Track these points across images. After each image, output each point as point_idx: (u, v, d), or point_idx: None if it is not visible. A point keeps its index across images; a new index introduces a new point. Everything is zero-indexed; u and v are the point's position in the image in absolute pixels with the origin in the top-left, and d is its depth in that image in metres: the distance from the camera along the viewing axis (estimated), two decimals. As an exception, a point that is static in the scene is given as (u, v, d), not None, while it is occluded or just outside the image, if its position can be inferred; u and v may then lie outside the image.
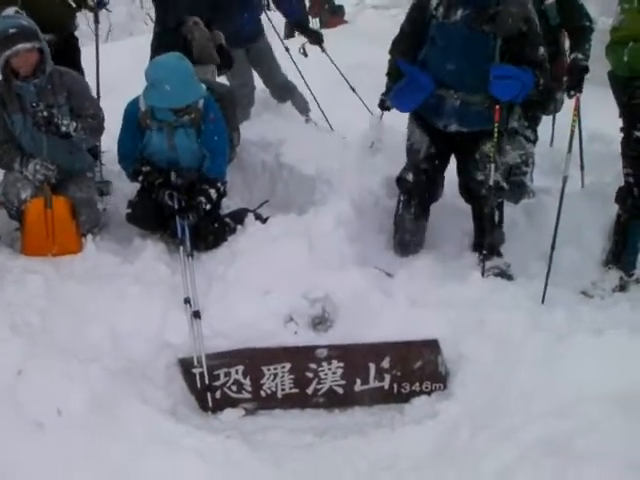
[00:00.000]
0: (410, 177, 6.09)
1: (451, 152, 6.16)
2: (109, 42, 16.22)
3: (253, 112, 8.31)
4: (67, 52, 6.81)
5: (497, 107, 5.64)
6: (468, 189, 6.08)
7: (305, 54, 8.61)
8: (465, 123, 5.87)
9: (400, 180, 6.18)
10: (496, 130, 5.70)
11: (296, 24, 9.48)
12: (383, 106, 6.43)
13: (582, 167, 7.00)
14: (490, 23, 5.49)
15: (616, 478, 3.55)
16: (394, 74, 6.04)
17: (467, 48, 5.62)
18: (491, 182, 5.81)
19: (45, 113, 5.83)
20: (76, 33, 7.24)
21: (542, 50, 5.67)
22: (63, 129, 5.90)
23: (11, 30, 5.67)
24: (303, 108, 8.55)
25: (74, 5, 6.95)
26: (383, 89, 6.31)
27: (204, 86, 6.09)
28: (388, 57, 6.15)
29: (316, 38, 8.51)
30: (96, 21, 7.49)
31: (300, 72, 8.58)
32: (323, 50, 8.50)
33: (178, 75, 5.85)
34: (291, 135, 7.54)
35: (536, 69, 5.59)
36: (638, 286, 6.05)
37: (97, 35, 7.53)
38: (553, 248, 5.70)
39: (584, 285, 6.01)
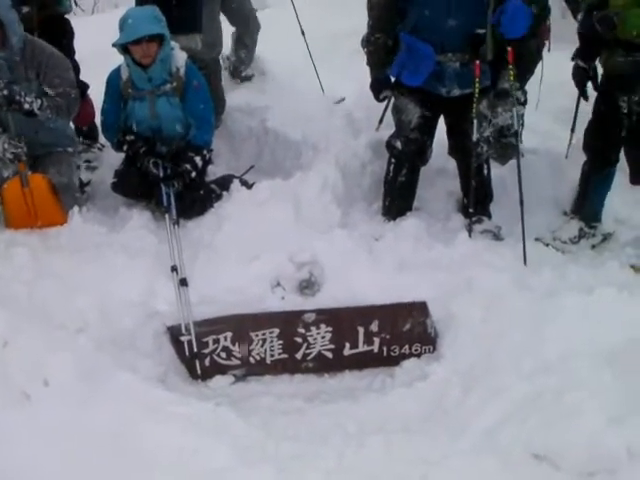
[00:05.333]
0: (399, 145, 6.02)
1: (440, 116, 6.13)
2: (95, 14, 16.02)
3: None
4: (55, 33, 6.68)
5: (477, 62, 5.64)
6: (462, 148, 6.04)
7: None
8: (465, 85, 5.82)
9: (389, 146, 6.11)
10: (477, 85, 5.70)
11: None
12: (379, 98, 6.19)
13: (572, 129, 6.97)
14: None
15: (600, 432, 3.56)
16: (380, 60, 5.95)
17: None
18: (479, 137, 5.84)
19: (5, 92, 5.63)
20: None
21: None
22: (26, 106, 5.69)
23: None
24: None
25: None
26: (364, 55, 6.19)
27: (177, 45, 6.09)
28: (366, 47, 6.01)
29: None
30: None
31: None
32: None
33: (140, 11, 5.94)
34: (276, 100, 7.51)
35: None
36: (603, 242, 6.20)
37: None
38: (522, 206, 5.72)
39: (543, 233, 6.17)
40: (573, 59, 5.99)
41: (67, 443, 3.81)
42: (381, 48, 5.91)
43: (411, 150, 6.00)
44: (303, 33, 8.23)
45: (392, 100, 6.23)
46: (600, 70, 5.98)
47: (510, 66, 5.67)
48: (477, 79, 5.68)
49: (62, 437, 3.83)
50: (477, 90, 5.71)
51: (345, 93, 7.63)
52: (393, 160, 6.17)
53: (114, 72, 6.16)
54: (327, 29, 8.94)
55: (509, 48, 5.61)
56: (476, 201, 5.97)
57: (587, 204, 6.20)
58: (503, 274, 5.28)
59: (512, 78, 5.71)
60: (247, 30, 8.24)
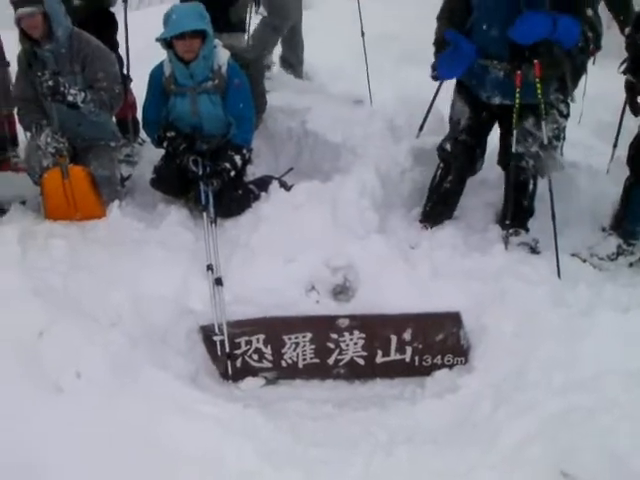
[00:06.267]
0: (448, 147, 6.06)
1: (493, 123, 6.12)
2: (141, 9, 16.09)
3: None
4: (100, 25, 6.76)
5: (518, 73, 5.56)
6: (504, 159, 6.02)
7: None
8: (508, 95, 5.77)
9: (439, 149, 6.15)
10: (517, 96, 5.63)
11: None
12: (435, 77, 6.13)
13: (615, 145, 6.92)
14: None
15: (631, 455, 3.52)
16: (441, 42, 5.92)
17: (511, 12, 5.42)
18: (524, 151, 5.80)
19: (50, 82, 5.73)
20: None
21: (590, 12, 5.50)
22: (69, 98, 5.81)
23: None
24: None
25: None
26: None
27: (220, 43, 6.13)
28: (436, 23, 6.00)
29: None
30: None
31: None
32: None
33: (185, 7, 5.97)
34: (317, 102, 7.51)
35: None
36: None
37: (126, 3, 7.34)
38: (554, 221, 5.68)
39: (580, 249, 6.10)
40: (624, 73, 5.91)
41: (96, 436, 3.84)
42: (440, 35, 5.88)
43: (459, 152, 6.02)
44: (363, 34, 8.26)
45: (433, 107, 6.22)
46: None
47: (537, 79, 5.56)
48: (517, 89, 5.62)
49: (92, 430, 3.86)
50: (517, 101, 5.66)
51: (387, 97, 7.61)
52: (442, 164, 6.19)
53: (157, 68, 6.19)
54: (376, 29, 8.90)
55: (535, 61, 5.51)
56: (514, 214, 5.93)
57: (627, 221, 6.12)
58: (538, 288, 5.24)
59: (540, 92, 5.61)
60: (290, 52, 8.40)
